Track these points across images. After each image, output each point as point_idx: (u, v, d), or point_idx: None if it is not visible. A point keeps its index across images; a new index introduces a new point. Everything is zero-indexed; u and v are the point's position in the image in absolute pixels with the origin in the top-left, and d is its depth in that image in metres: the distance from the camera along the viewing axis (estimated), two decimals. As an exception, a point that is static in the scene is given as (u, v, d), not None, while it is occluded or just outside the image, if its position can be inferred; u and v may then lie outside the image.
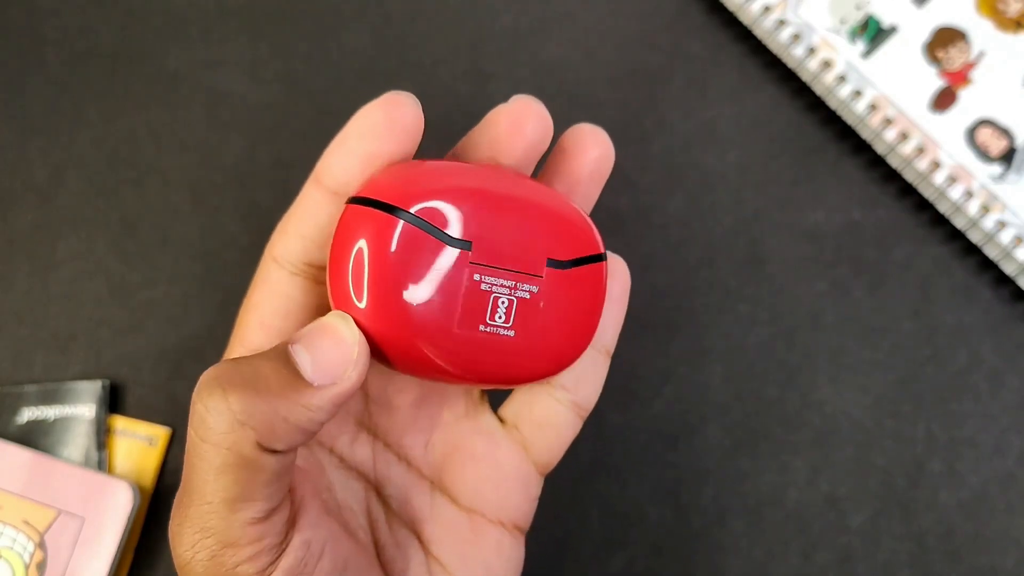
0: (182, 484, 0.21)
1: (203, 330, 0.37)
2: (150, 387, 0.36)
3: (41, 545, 0.33)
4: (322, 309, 0.25)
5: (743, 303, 0.37)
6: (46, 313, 0.37)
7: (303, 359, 0.21)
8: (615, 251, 0.26)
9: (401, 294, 0.21)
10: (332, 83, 0.39)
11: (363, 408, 0.26)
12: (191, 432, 0.21)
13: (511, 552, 0.26)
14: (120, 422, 0.36)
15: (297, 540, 0.21)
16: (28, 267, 0.37)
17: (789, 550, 0.35)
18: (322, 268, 0.24)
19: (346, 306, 0.21)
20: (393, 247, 0.21)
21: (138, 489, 0.34)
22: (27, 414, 0.35)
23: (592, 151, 0.25)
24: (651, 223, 0.38)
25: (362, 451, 0.26)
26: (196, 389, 0.21)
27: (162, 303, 0.37)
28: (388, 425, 0.26)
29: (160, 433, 0.35)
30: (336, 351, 0.21)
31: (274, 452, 0.20)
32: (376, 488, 0.26)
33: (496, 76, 0.39)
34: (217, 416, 0.20)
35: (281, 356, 0.21)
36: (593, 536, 0.35)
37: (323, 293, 0.24)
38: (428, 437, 0.26)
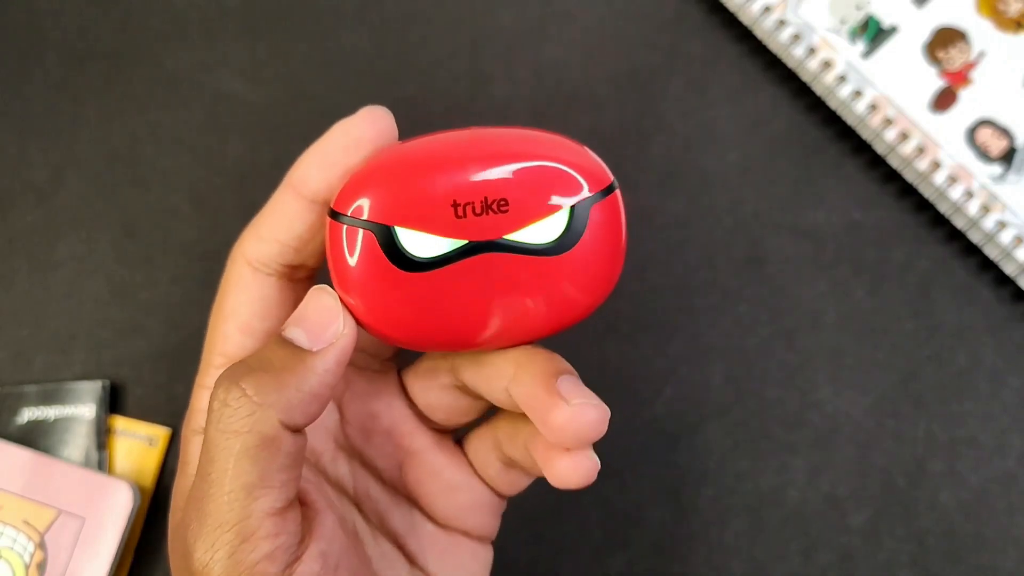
0: (195, 490, 0.21)
1: (203, 330, 0.36)
2: (150, 387, 0.36)
3: (41, 545, 0.33)
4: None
5: (743, 303, 0.37)
6: (46, 313, 0.37)
7: (297, 334, 0.22)
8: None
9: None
10: (332, 83, 0.39)
11: (340, 429, 0.27)
12: (210, 431, 0.21)
13: (485, 557, 0.27)
14: (120, 422, 0.36)
15: (314, 550, 0.22)
16: (28, 267, 0.37)
17: (789, 550, 0.35)
18: (298, 267, 0.24)
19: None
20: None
21: (138, 489, 0.34)
22: (27, 414, 0.35)
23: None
24: (651, 223, 0.38)
25: (342, 469, 0.26)
26: (211, 395, 0.21)
27: (162, 303, 0.37)
28: (363, 446, 0.27)
29: (160, 433, 0.35)
30: (323, 315, 0.22)
31: (293, 431, 0.21)
32: (356, 504, 0.26)
33: (496, 76, 0.39)
34: (236, 403, 0.21)
35: (278, 341, 0.22)
36: (593, 537, 0.35)
37: (299, 292, 0.25)
38: (401, 461, 0.27)
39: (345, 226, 0.21)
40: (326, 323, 0.22)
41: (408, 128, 0.39)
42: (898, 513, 0.36)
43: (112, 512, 0.33)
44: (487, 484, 0.27)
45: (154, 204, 0.38)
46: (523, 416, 0.23)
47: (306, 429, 0.22)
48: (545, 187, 0.21)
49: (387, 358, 0.27)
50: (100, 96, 0.39)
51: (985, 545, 0.35)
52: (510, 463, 0.26)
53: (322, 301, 0.22)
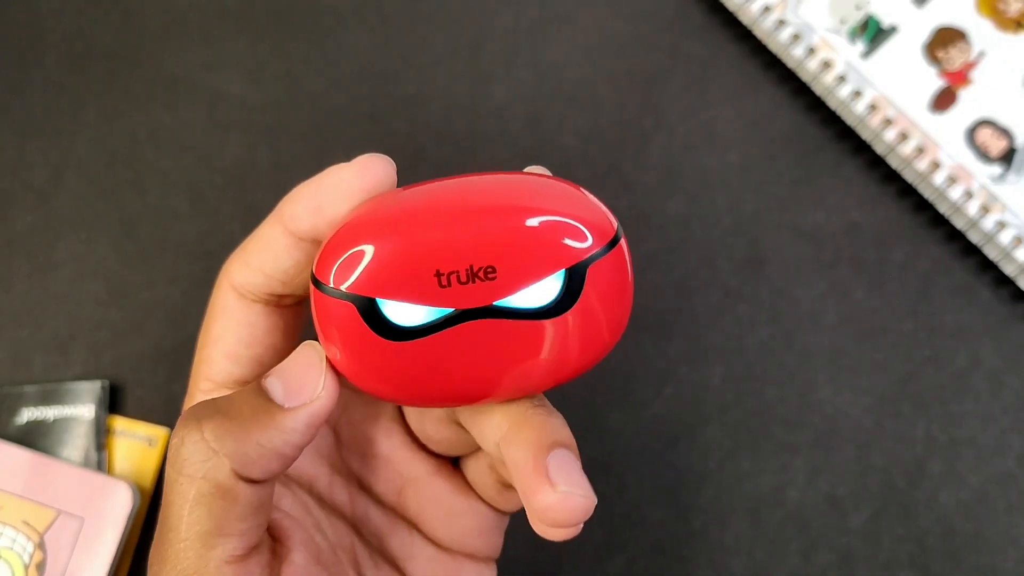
0: (157, 531, 0.21)
1: (203, 331, 0.37)
2: (150, 387, 0.36)
3: (41, 545, 0.33)
4: (286, 331, 0.25)
5: (743, 303, 0.37)
6: (46, 313, 0.37)
7: (274, 386, 0.21)
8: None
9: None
10: (332, 83, 0.39)
11: (335, 452, 0.26)
12: (168, 470, 0.21)
13: None
14: (120, 423, 0.36)
15: None
16: (28, 267, 0.37)
17: (789, 550, 0.35)
18: (284, 296, 0.24)
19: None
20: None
21: (138, 489, 0.34)
22: (27, 414, 0.35)
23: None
24: (651, 224, 0.38)
25: (339, 493, 0.26)
26: (173, 430, 0.21)
27: (162, 304, 0.37)
28: (361, 470, 0.26)
29: (160, 433, 0.35)
30: (304, 372, 0.21)
31: (251, 482, 0.20)
32: (355, 528, 0.26)
33: (496, 76, 0.39)
34: (192, 447, 0.20)
35: (254, 388, 0.21)
36: (593, 537, 0.35)
37: (286, 317, 0.24)
38: (400, 487, 0.26)
39: (327, 296, 0.20)
40: (305, 381, 0.21)
41: (408, 128, 0.39)
42: (898, 513, 0.36)
43: (112, 512, 0.33)
44: (488, 504, 0.26)
45: (154, 204, 0.38)
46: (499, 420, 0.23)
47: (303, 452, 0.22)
48: (538, 249, 0.20)
49: None
50: (100, 96, 0.39)
51: (985, 545, 0.35)
52: (506, 485, 0.25)
53: (306, 357, 0.21)
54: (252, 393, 0.21)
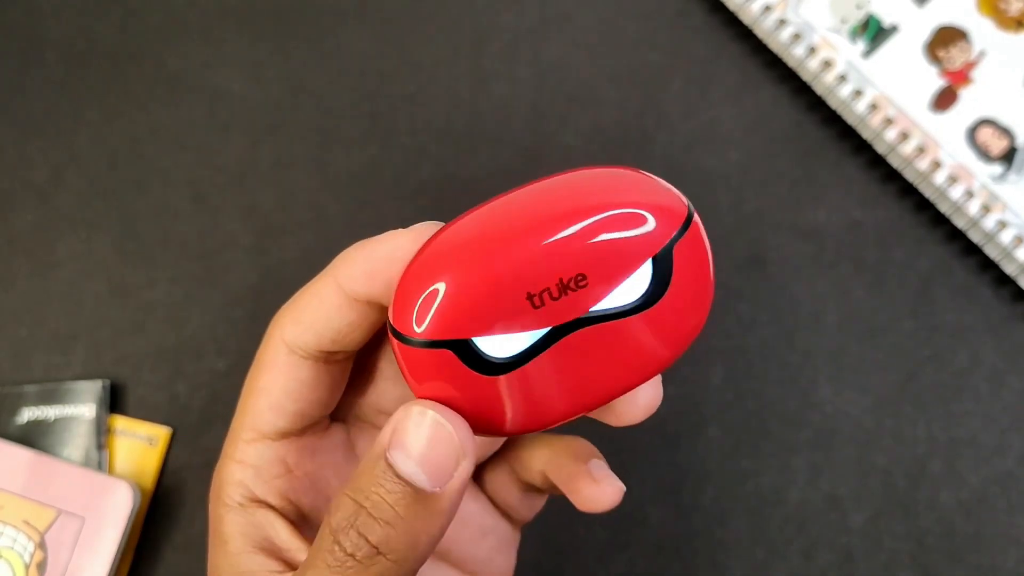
0: None
1: (203, 330, 0.37)
2: (151, 387, 0.36)
3: (41, 545, 0.33)
4: (333, 386, 0.24)
5: (744, 302, 0.37)
6: (46, 313, 0.37)
7: (414, 473, 0.20)
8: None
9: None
10: (332, 83, 0.39)
11: None
12: None
13: None
14: (120, 422, 0.36)
15: None
16: (28, 267, 0.37)
17: (790, 550, 0.35)
18: (334, 352, 0.24)
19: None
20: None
21: (138, 489, 0.34)
22: (27, 414, 0.35)
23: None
24: (651, 223, 0.38)
25: None
26: (326, 539, 0.20)
27: (162, 303, 0.37)
28: None
29: (160, 433, 0.35)
30: (445, 452, 0.20)
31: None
32: None
33: (497, 76, 0.39)
34: (369, 563, 0.20)
35: (389, 475, 0.20)
36: (594, 537, 0.35)
37: (334, 372, 0.24)
38: None
39: (417, 348, 0.19)
40: (449, 462, 0.20)
41: (409, 128, 0.39)
42: (898, 513, 0.36)
43: (112, 512, 0.33)
44: (508, 518, 0.27)
45: (154, 203, 0.38)
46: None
47: (334, 497, 0.23)
48: (620, 245, 0.19)
49: None
50: (101, 95, 0.39)
51: (985, 545, 0.35)
52: (527, 488, 0.27)
53: (440, 434, 0.20)
54: (390, 481, 0.20)
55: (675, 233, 0.19)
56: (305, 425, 0.24)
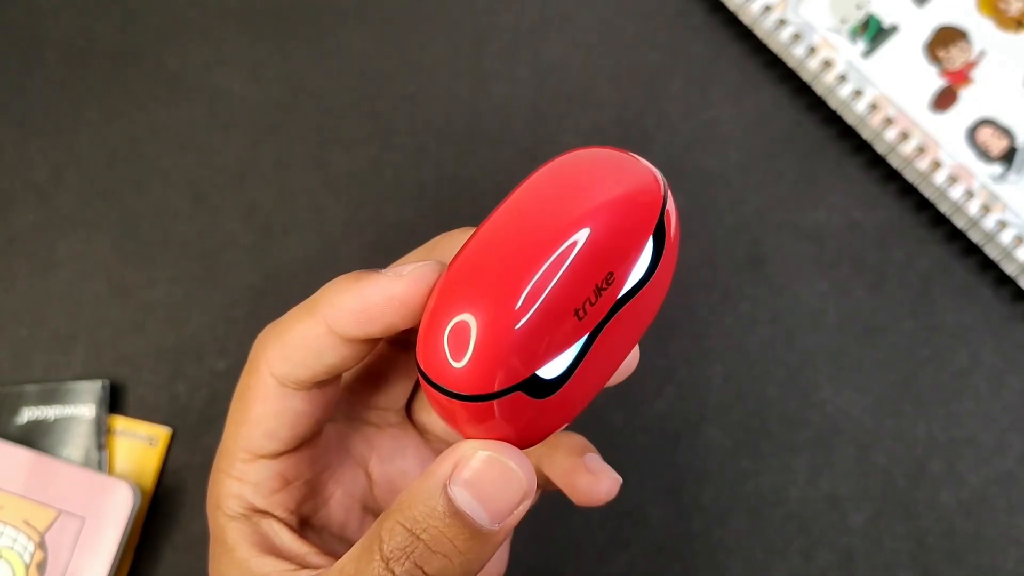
0: None
1: (203, 330, 0.37)
2: (151, 387, 0.36)
3: (41, 545, 0.33)
4: (326, 406, 0.24)
5: (743, 303, 0.37)
6: (47, 312, 0.37)
7: (473, 509, 0.20)
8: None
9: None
10: (332, 83, 0.39)
11: (369, 493, 0.27)
12: None
13: None
14: (120, 422, 0.36)
15: None
16: (28, 267, 0.37)
17: (790, 550, 0.35)
18: (325, 381, 0.23)
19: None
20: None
21: (138, 489, 0.34)
22: (27, 414, 0.35)
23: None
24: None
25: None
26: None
27: (162, 303, 0.37)
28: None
29: (160, 433, 0.35)
30: (507, 492, 0.20)
31: None
32: None
33: (496, 76, 0.39)
34: None
35: (449, 509, 0.20)
36: (595, 537, 0.35)
37: (327, 393, 0.24)
38: None
39: (481, 404, 0.19)
40: (513, 504, 0.20)
41: (409, 127, 0.39)
42: (898, 513, 0.36)
43: (112, 512, 0.33)
44: None
45: (154, 203, 0.38)
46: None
47: (332, 500, 0.25)
48: (629, 231, 0.20)
49: (400, 407, 0.27)
50: (101, 95, 0.39)
51: (985, 545, 0.35)
52: None
53: (507, 476, 0.20)
54: (458, 530, 0.20)
55: (661, 204, 0.20)
56: (301, 442, 0.24)
